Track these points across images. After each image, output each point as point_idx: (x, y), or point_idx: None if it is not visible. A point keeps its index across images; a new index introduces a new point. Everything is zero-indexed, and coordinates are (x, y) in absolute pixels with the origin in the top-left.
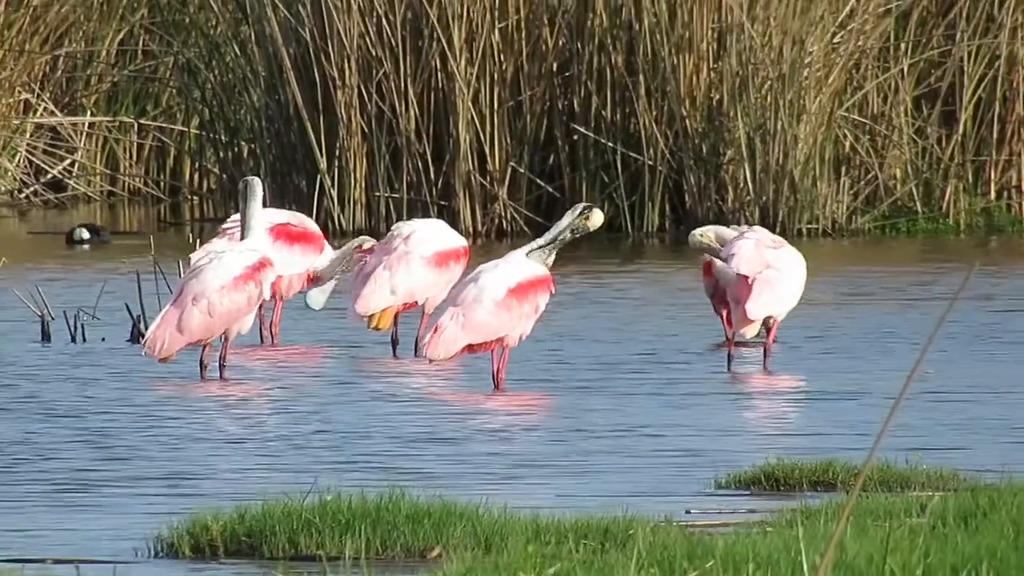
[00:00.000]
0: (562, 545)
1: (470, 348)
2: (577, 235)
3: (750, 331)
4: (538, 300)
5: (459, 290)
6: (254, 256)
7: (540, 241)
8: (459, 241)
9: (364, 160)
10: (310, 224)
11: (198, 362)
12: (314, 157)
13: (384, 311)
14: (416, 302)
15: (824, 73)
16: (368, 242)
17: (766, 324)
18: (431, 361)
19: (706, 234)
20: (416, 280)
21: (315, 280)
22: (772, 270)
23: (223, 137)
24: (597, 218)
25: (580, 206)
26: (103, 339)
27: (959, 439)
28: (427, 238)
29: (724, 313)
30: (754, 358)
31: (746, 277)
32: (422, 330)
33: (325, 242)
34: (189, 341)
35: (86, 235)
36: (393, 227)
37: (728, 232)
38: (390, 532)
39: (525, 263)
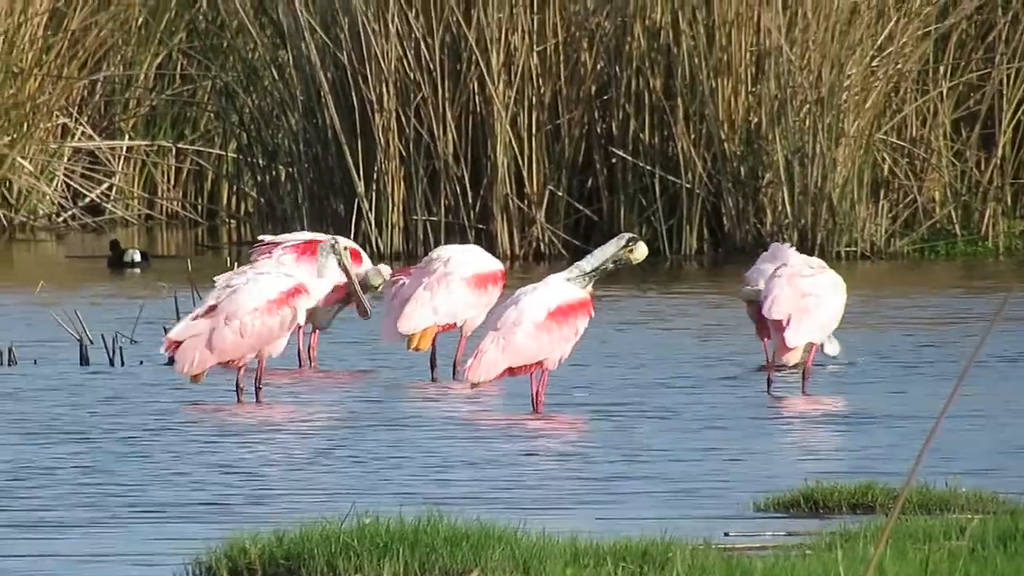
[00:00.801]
0: (600, 568)
1: (510, 371)
2: (619, 266)
3: (792, 358)
4: (578, 323)
5: (499, 314)
6: (290, 281)
7: (583, 266)
8: (497, 265)
9: (402, 184)
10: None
11: (234, 385)
12: (352, 181)
13: (424, 332)
14: (455, 324)
15: (863, 96)
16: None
17: (806, 349)
18: (472, 385)
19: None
20: (457, 301)
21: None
22: (810, 297)
23: (261, 161)
24: (641, 251)
25: (625, 237)
26: (141, 362)
27: (998, 462)
28: (466, 261)
29: (766, 339)
30: (793, 381)
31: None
32: (460, 353)
33: (361, 253)
34: (219, 360)
35: (138, 257)
36: (431, 252)
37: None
38: (428, 555)
39: (564, 286)
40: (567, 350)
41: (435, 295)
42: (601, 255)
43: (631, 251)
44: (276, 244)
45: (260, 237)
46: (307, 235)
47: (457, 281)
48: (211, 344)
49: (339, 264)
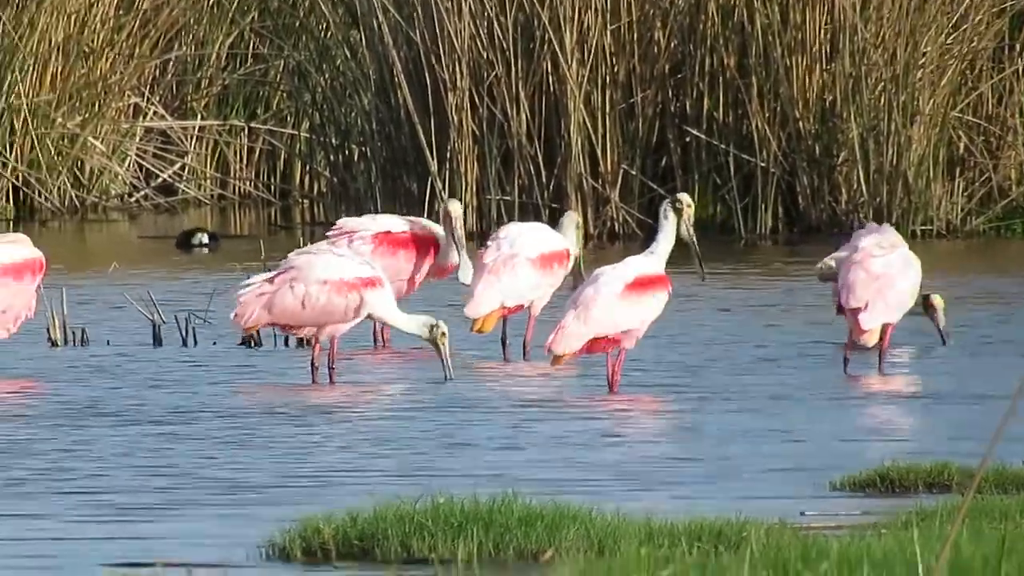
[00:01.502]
0: (675, 548)
1: (591, 346)
2: (691, 230)
3: (869, 340)
4: (655, 297)
5: (578, 292)
6: (369, 271)
7: (663, 247)
8: (562, 243)
9: (475, 163)
10: (425, 227)
11: (309, 364)
12: (425, 160)
13: (489, 315)
14: (523, 305)
15: (938, 74)
16: (452, 204)
17: (882, 329)
18: (554, 358)
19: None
20: (523, 283)
21: (441, 271)
22: (883, 278)
23: (334, 140)
24: (685, 201)
25: (667, 208)
26: (214, 343)
27: None
28: (532, 241)
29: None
30: (870, 361)
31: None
32: (529, 334)
33: (439, 241)
34: (275, 322)
35: (206, 239)
36: (498, 231)
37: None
38: (502, 535)
39: (643, 263)
40: (644, 327)
41: (501, 278)
42: (667, 235)
43: (681, 212)
44: (353, 232)
45: (339, 223)
46: (386, 222)
47: (523, 263)
48: (271, 303)
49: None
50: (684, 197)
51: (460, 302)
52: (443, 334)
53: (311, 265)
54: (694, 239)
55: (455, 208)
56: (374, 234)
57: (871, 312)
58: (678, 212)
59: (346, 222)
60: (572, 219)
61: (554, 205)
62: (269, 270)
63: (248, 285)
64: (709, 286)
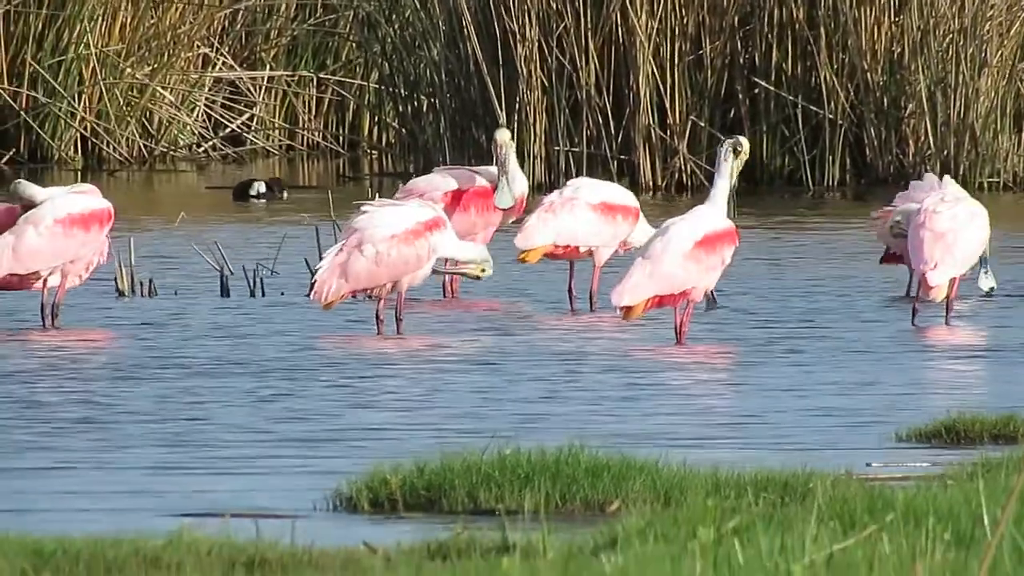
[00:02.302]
0: (742, 499)
1: (659, 301)
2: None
3: (938, 295)
4: (724, 252)
5: (648, 244)
6: (430, 213)
7: (719, 199)
8: (630, 200)
9: (544, 114)
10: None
11: (374, 316)
12: (494, 111)
13: (537, 248)
14: (577, 248)
15: (1006, 26)
16: (500, 132)
17: (950, 283)
18: (625, 311)
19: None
20: (579, 224)
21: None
22: (948, 233)
23: (402, 91)
24: (745, 147)
25: (727, 148)
26: (282, 294)
27: None
28: (597, 189)
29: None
30: (937, 313)
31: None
32: (594, 285)
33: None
34: (354, 288)
35: (263, 189)
36: (569, 182)
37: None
38: (569, 486)
39: (711, 216)
40: (713, 280)
41: (557, 216)
42: (726, 178)
43: (739, 154)
44: (423, 193)
45: (407, 185)
46: (454, 180)
47: (582, 205)
48: (346, 272)
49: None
50: (744, 140)
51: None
52: (483, 271)
53: (374, 223)
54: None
55: (502, 136)
56: (444, 193)
57: (939, 270)
58: (737, 154)
59: (416, 183)
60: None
61: (622, 156)
62: (337, 222)
63: (320, 266)
64: (777, 238)
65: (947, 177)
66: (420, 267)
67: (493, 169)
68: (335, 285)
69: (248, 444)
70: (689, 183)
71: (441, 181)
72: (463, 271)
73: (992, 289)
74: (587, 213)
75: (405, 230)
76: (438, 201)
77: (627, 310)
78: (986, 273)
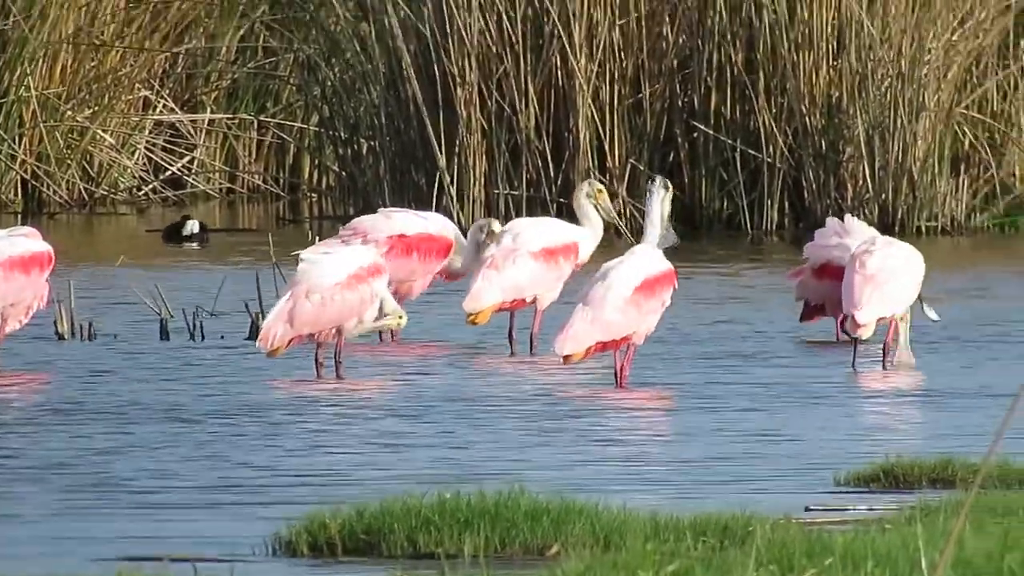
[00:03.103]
0: (681, 543)
1: (601, 346)
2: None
3: (864, 334)
4: (663, 295)
5: (588, 289)
6: (371, 258)
7: (653, 235)
8: (570, 236)
9: (484, 157)
10: (439, 229)
11: (313, 360)
12: (434, 154)
13: (485, 310)
14: (524, 299)
15: (943, 70)
16: (492, 224)
17: (886, 323)
18: (564, 359)
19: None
20: (522, 275)
21: (452, 276)
22: (880, 273)
23: (343, 134)
24: (668, 191)
25: (657, 187)
26: (222, 337)
27: None
28: (536, 235)
29: (839, 316)
30: (875, 356)
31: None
32: (536, 328)
33: (453, 243)
34: (299, 334)
35: (196, 229)
36: (505, 226)
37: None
38: (509, 530)
39: (649, 258)
40: (654, 323)
41: (501, 272)
42: (656, 216)
43: (668, 189)
44: (367, 233)
45: (353, 222)
46: (400, 222)
47: (524, 256)
48: (292, 318)
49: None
50: (665, 187)
51: (461, 291)
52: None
53: (319, 270)
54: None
55: (497, 227)
56: (388, 236)
57: (868, 307)
58: (667, 188)
59: (360, 221)
60: (585, 191)
61: (562, 199)
62: (278, 264)
63: (268, 317)
64: (716, 282)
65: (848, 216)
66: (363, 312)
67: (440, 217)
68: (280, 331)
69: (187, 489)
70: (629, 226)
71: (385, 224)
72: (381, 324)
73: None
74: (530, 263)
75: (348, 276)
76: (381, 243)
77: (567, 357)
78: (928, 307)
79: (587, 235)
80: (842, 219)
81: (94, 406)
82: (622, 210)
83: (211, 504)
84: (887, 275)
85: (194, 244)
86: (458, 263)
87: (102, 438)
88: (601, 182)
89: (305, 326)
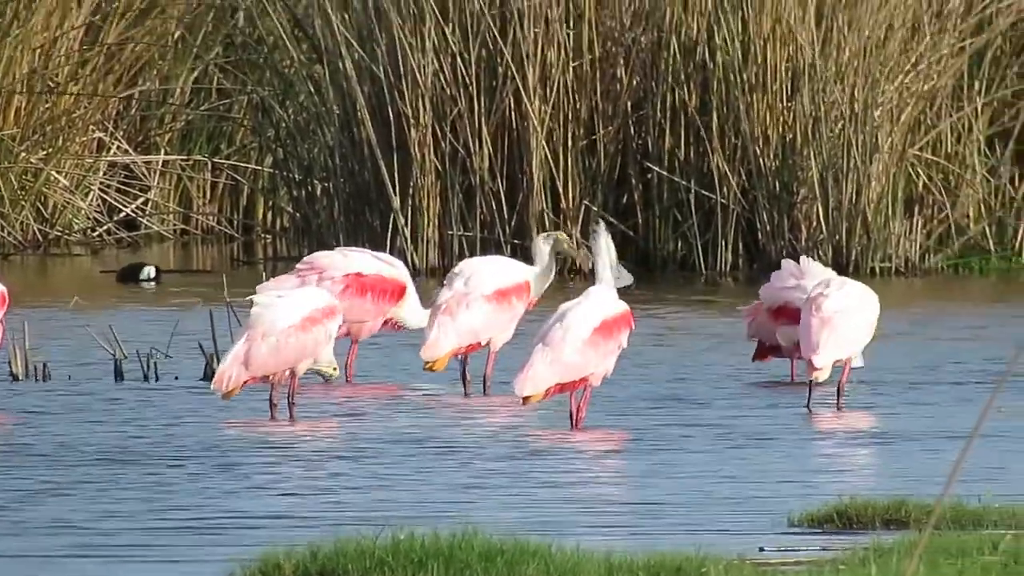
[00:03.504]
0: None
1: (559, 389)
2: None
3: (820, 377)
4: (621, 337)
5: (546, 329)
6: (325, 300)
7: (606, 276)
8: (521, 276)
9: (438, 198)
10: (394, 272)
11: (268, 401)
12: (388, 195)
13: (442, 357)
14: (480, 343)
15: (897, 112)
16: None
17: (837, 366)
18: (524, 400)
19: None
20: (477, 320)
21: (399, 327)
22: (836, 315)
23: (296, 175)
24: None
25: (599, 234)
26: (176, 378)
27: None
28: (487, 277)
29: (794, 357)
30: (828, 398)
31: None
32: (489, 369)
33: (407, 287)
34: (254, 376)
35: (153, 274)
36: (455, 268)
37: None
38: (463, 571)
39: (605, 299)
40: (611, 364)
41: (455, 318)
42: (604, 257)
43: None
44: (323, 270)
45: (309, 258)
46: (357, 261)
47: (478, 299)
48: (247, 361)
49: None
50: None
51: (415, 337)
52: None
53: (273, 313)
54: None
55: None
56: (344, 275)
57: (824, 350)
58: (602, 237)
59: (317, 257)
60: (546, 242)
61: (516, 240)
62: (231, 304)
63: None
64: (669, 323)
65: (804, 258)
66: (318, 352)
67: (396, 260)
68: (236, 373)
69: (140, 527)
70: (582, 268)
71: (342, 262)
72: (319, 368)
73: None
74: (483, 307)
75: (303, 318)
76: (337, 281)
77: (527, 398)
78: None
79: (538, 273)
80: (797, 260)
81: (46, 447)
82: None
83: (165, 545)
84: (842, 318)
85: (152, 285)
86: (408, 317)
87: (54, 479)
88: (555, 224)
89: (261, 369)
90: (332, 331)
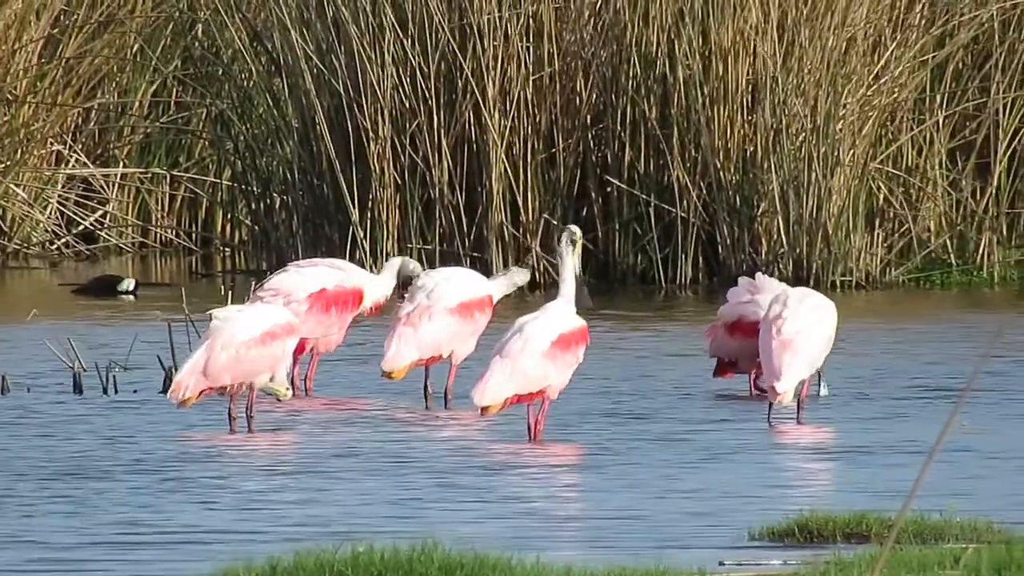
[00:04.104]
0: None
1: (516, 400)
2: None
3: (785, 400)
4: (578, 351)
5: (504, 342)
6: (286, 317)
7: (568, 292)
8: (484, 289)
9: (397, 211)
10: (351, 279)
11: (226, 414)
12: (347, 208)
13: (402, 368)
14: (441, 356)
15: (858, 125)
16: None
17: (798, 385)
18: (481, 410)
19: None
20: (439, 333)
21: (379, 309)
22: (795, 338)
23: (255, 188)
24: (577, 233)
25: (563, 240)
26: (135, 391)
27: (993, 491)
28: (450, 290)
29: (752, 372)
30: (788, 412)
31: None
32: (450, 382)
33: (363, 288)
34: (211, 386)
35: (132, 286)
36: (418, 279)
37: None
38: None
39: (563, 314)
40: (567, 378)
41: (417, 330)
42: (570, 270)
43: (576, 242)
44: (289, 294)
45: (271, 283)
46: (316, 278)
47: (440, 312)
48: (205, 371)
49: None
50: (575, 228)
51: (375, 343)
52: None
53: (232, 326)
54: (578, 269)
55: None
56: (308, 295)
57: (787, 375)
58: (574, 244)
59: (279, 282)
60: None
61: (475, 254)
62: (191, 318)
63: (181, 370)
64: (629, 336)
65: (759, 275)
66: (275, 368)
67: (348, 264)
68: (192, 383)
69: (97, 541)
70: (542, 281)
71: (302, 282)
72: (274, 388)
73: (825, 396)
74: (446, 319)
75: (262, 332)
76: (302, 302)
77: (485, 408)
78: (821, 383)
79: (501, 287)
80: (753, 276)
81: (4, 459)
82: (535, 264)
83: (121, 559)
84: (803, 339)
85: (130, 297)
86: (375, 296)
87: (12, 493)
88: (514, 237)
89: (218, 379)
90: (289, 349)
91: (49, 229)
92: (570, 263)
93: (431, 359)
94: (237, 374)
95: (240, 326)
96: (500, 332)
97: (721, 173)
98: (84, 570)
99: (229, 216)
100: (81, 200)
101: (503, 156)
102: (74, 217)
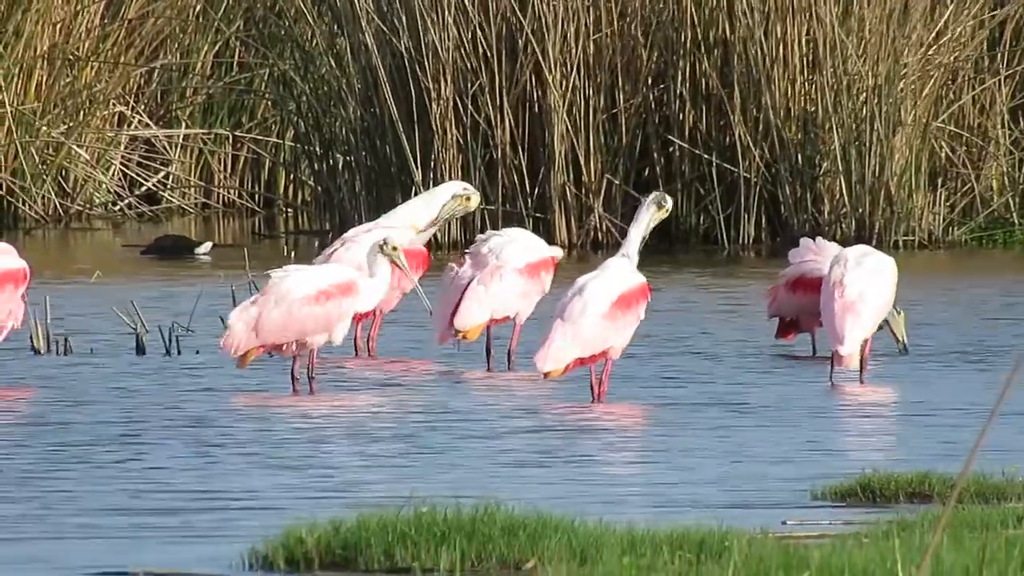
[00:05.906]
0: (657, 557)
1: (580, 362)
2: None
3: (851, 363)
4: (639, 309)
5: (564, 304)
6: (345, 275)
7: (631, 251)
8: (547, 251)
9: (459, 172)
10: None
11: (290, 375)
12: (409, 169)
13: (475, 327)
14: (508, 316)
15: (920, 85)
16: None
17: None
18: (544, 375)
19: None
20: (509, 293)
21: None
22: (856, 303)
23: (318, 149)
24: (669, 202)
25: (651, 200)
26: (197, 352)
27: None
28: (518, 250)
29: (814, 330)
30: (851, 371)
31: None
32: (514, 343)
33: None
34: (263, 344)
35: (208, 248)
36: (480, 237)
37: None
38: (485, 544)
39: (623, 272)
40: (629, 337)
41: (489, 289)
42: (641, 230)
43: (663, 208)
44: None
45: (352, 232)
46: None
47: (510, 273)
48: (258, 327)
49: (392, 262)
50: (668, 198)
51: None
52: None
53: (289, 281)
54: (645, 236)
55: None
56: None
57: (849, 338)
58: (660, 207)
59: (357, 232)
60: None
61: (537, 214)
62: (253, 280)
63: (232, 315)
64: (693, 296)
65: (819, 238)
66: (329, 329)
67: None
68: (244, 338)
69: (161, 502)
70: (604, 241)
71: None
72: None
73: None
74: (516, 279)
75: (317, 291)
76: None
77: (548, 373)
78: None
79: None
80: (817, 236)
81: (66, 421)
82: (598, 224)
83: (186, 519)
84: (864, 300)
85: (208, 258)
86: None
87: (74, 453)
88: (576, 197)
89: (270, 336)
90: (347, 309)
91: (112, 190)
92: (645, 223)
93: (502, 319)
94: (289, 332)
95: (295, 282)
96: (561, 291)
97: (783, 133)
98: (140, 536)
99: (292, 177)
100: (144, 161)
101: (565, 116)
102: (137, 178)
